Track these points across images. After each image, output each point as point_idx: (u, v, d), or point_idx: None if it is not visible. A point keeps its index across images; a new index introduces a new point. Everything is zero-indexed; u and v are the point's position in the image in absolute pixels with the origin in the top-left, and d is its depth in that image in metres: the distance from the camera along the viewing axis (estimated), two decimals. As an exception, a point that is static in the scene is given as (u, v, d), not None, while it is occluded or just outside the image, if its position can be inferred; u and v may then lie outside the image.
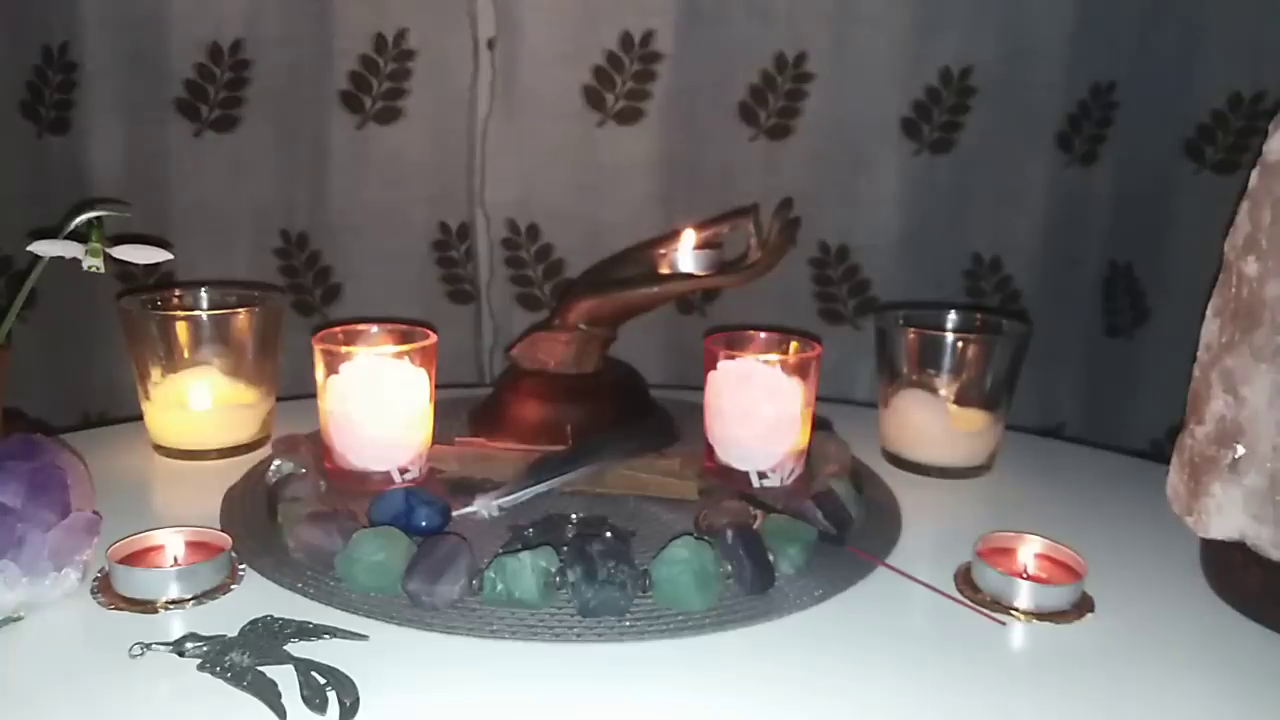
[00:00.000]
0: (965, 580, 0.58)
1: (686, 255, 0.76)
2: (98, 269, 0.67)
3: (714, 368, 0.70)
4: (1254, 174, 0.55)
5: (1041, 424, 1.11)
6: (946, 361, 0.74)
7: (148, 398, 0.75)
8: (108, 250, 0.68)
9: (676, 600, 0.53)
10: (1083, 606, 0.55)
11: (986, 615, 0.54)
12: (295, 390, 0.83)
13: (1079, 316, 1.10)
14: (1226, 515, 0.56)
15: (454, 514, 0.62)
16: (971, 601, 0.56)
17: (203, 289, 0.80)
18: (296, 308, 1.06)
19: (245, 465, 0.72)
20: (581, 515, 0.64)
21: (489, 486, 0.65)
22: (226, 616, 0.51)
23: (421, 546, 0.54)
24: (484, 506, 0.63)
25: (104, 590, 0.54)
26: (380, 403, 0.67)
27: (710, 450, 0.72)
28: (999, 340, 0.75)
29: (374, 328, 0.73)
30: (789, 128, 1.02)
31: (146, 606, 0.52)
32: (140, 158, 1.00)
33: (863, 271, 1.06)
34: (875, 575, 0.59)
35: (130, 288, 0.99)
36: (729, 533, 0.55)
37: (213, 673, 0.46)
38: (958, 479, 0.75)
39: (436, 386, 0.70)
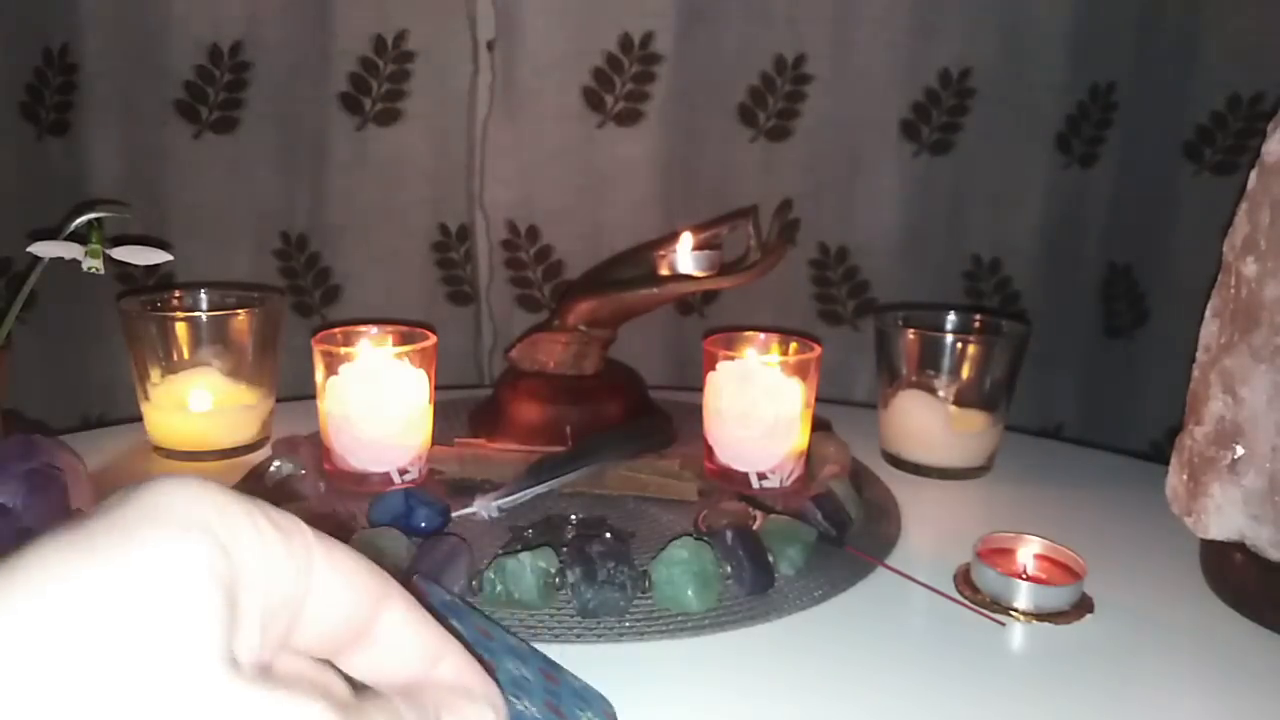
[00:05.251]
0: (965, 581, 0.58)
1: (686, 256, 0.76)
2: (97, 270, 0.67)
3: (713, 368, 0.70)
4: (1252, 175, 0.55)
5: (1040, 425, 1.11)
6: (946, 362, 0.74)
7: (147, 399, 0.75)
8: (107, 251, 0.68)
9: (676, 601, 0.53)
10: (1082, 607, 0.55)
11: (986, 616, 0.54)
12: (295, 391, 0.83)
13: (1078, 317, 1.10)
14: (1225, 515, 0.56)
15: (453, 515, 0.62)
16: (971, 602, 0.56)
17: (202, 290, 0.80)
18: (296, 309, 1.06)
19: (245, 466, 0.72)
20: (581, 516, 0.64)
21: (488, 487, 0.65)
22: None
23: (421, 547, 0.54)
24: (483, 507, 0.63)
25: (104, 591, 0.54)
26: (380, 404, 0.67)
27: (710, 451, 0.72)
28: (998, 341, 0.75)
29: (373, 329, 0.73)
30: (788, 129, 1.02)
31: (146, 607, 0.52)
32: (140, 159, 1.00)
33: (862, 273, 1.06)
34: (875, 576, 0.59)
35: (130, 289, 0.99)
36: (728, 533, 0.55)
37: (212, 673, 0.46)
38: (957, 479, 0.75)
39: (436, 387, 0.70)
